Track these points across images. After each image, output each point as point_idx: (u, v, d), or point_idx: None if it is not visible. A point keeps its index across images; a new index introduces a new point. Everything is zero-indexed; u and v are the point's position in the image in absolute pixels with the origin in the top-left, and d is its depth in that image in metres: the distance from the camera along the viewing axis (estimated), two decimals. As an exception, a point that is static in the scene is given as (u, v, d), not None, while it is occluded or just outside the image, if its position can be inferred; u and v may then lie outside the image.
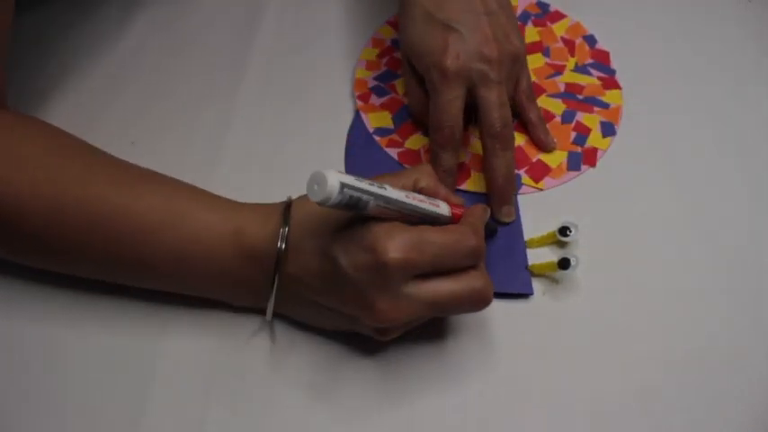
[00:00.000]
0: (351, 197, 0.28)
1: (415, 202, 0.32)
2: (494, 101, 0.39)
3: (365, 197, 0.29)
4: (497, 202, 0.41)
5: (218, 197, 0.36)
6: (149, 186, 0.35)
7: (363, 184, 0.29)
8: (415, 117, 0.45)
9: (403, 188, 0.33)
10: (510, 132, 0.40)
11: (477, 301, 0.33)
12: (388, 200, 0.30)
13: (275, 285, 0.33)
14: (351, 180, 0.28)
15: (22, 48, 0.49)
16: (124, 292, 0.38)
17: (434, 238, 0.31)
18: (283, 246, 0.33)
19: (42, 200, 0.33)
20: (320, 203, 0.28)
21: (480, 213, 0.35)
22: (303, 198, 0.34)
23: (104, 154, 0.37)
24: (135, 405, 0.35)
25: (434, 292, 0.31)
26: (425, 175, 0.35)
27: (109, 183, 0.35)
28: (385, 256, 0.30)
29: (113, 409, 0.35)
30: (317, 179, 0.27)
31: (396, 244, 0.30)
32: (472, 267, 0.33)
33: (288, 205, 0.34)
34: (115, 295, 0.38)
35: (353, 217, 0.31)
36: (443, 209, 0.34)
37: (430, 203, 0.33)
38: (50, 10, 0.52)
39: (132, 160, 0.39)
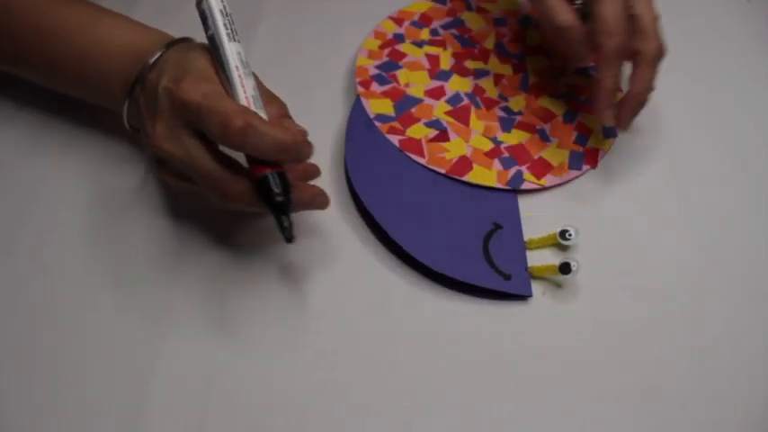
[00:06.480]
0: (202, 12, 0.35)
1: (236, 78, 0.34)
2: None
3: (210, 24, 0.34)
4: (630, 111, 0.41)
5: (140, 24, 0.40)
6: (83, 4, 0.41)
7: (218, 18, 0.34)
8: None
9: (279, 110, 0.36)
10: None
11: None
12: (219, 48, 0.34)
13: (133, 88, 0.37)
14: (215, 4, 0.34)
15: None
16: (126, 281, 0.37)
17: (225, 103, 0.32)
18: (152, 60, 0.36)
19: None
20: None
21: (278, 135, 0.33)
22: (195, 42, 0.38)
23: None
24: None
25: (193, 149, 0.33)
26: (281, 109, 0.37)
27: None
28: (180, 91, 0.33)
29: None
30: None
31: (196, 88, 0.33)
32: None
33: (182, 39, 0.38)
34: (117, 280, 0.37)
35: (209, 65, 0.35)
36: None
37: (249, 98, 0.34)
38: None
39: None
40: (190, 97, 0.32)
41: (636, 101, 0.41)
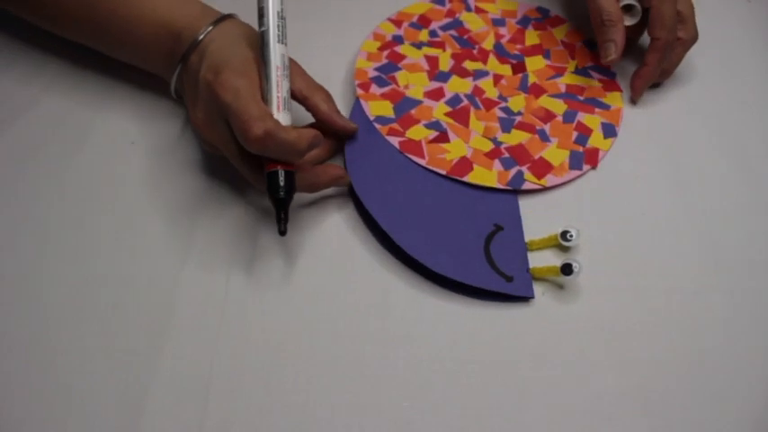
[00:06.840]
0: (261, 9, 0.38)
1: (274, 78, 0.37)
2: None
3: (265, 20, 0.37)
4: (646, 84, 0.47)
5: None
6: None
7: (273, 20, 0.37)
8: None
9: (310, 91, 0.40)
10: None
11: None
12: (266, 46, 0.37)
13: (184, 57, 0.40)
14: (274, 6, 0.37)
15: (21, 45, 0.48)
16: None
17: (250, 108, 0.35)
18: (200, 38, 0.39)
19: None
20: None
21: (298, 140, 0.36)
22: (239, 21, 0.41)
23: None
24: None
25: (226, 135, 0.37)
26: (326, 101, 0.41)
27: None
28: (218, 85, 0.36)
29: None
30: None
31: (232, 83, 0.36)
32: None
33: (226, 16, 0.41)
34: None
35: (252, 58, 0.38)
36: (282, 115, 0.37)
37: (281, 99, 0.37)
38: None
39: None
40: (223, 95, 0.35)
41: (665, 76, 0.48)
